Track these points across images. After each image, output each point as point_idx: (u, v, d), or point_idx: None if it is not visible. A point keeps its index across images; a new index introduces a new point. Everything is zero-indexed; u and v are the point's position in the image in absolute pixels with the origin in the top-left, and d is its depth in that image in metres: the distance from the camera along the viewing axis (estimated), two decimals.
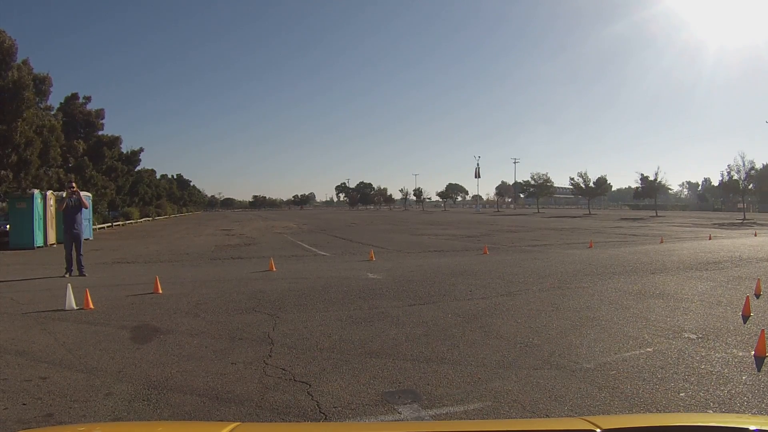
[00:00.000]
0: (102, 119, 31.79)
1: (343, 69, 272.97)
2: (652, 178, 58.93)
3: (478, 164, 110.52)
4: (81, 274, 10.27)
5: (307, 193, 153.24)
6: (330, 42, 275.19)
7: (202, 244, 19.33)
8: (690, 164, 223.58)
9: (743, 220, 43.96)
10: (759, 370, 4.28)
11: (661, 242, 18.55)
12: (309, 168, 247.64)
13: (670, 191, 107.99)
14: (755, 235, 22.93)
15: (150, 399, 3.69)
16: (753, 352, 4.70)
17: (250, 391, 3.83)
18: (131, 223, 38.83)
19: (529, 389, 3.84)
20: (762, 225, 34.30)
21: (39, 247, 18.02)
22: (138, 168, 42.87)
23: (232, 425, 1.33)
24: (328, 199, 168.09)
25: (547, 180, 79.59)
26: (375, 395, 3.74)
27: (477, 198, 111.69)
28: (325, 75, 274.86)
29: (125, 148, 37.03)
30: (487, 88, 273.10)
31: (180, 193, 72.45)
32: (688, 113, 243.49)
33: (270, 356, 4.70)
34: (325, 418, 3.37)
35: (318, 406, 3.54)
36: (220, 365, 4.45)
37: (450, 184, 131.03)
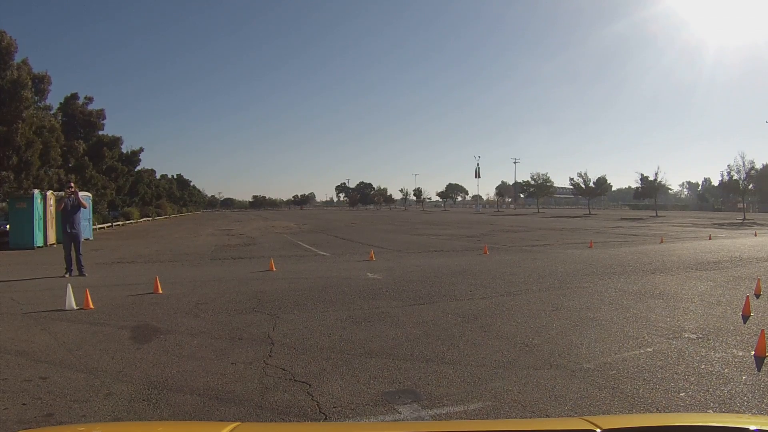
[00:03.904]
0: (103, 120, 31.88)
1: (343, 69, 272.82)
2: (652, 178, 58.96)
3: (478, 164, 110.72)
4: (81, 274, 10.27)
5: (307, 193, 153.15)
6: (330, 42, 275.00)
7: (202, 244, 19.33)
8: (690, 164, 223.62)
9: (743, 220, 43.96)
10: (759, 370, 4.28)
11: (661, 242, 18.55)
12: (309, 168, 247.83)
13: (670, 191, 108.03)
14: (755, 235, 22.93)
15: (150, 399, 3.69)
16: (753, 352, 4.70)
17: (250, 391, 3.83)
18: (131, 223, 38.82)
19: (529, 389, 3.84)
20: (762, 225, 34.30)
21: (39, 247, 18.02)
22: (138, 168, 42.97)
23: (232, 425, 1.33)
24: (328, 199, 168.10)
25: (547, 180, 79.61)
26: (375, 395, 3.74)
27: (477, 198, 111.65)
28: (325, 75, 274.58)
29: (125, 148, 37.15)
30: (487, 88, 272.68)
31: (180, 193, 72.48)
32: (688, 113, 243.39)
33: (270, 356, 4.70)
34: (325, 418, 3.37)
35: (318, 406, 3.54)
36: (220, 365, 4.45)
37: (450, 184, 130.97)
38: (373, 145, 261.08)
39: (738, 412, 3.45)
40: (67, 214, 10.50)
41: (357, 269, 11.08)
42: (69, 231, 10.45)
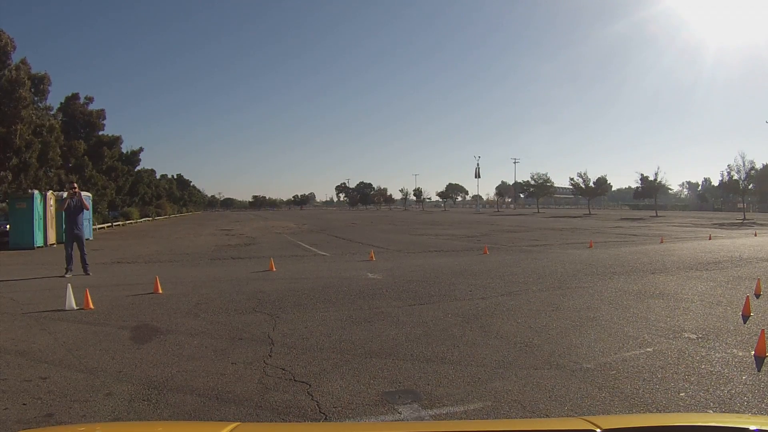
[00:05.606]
0: (103, 120, 31.84)
1: (343, 69, 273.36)
2: (652, 178, 59.00)
3: (478, 164, 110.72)
4: (86, 273, 10.35)
5: (307, 193, 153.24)
6: (330, 42, 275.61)
7: (202, 244, 19.32)
8: (690, 164, 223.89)
9: (743, 220, 43.96)
10: (759, 370, 4.28)
11: (661, 242, 18.55)
12: (309, 168, 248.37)
13: (670, 191, 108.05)
14: (755, 235, 22.93)
15: (150, 399, 3.69)
16: (753, 352, 4.70)
17: (250, 391, 3.83)
18: (131, 223, 38.80)
19: (529, 389, 3.84)
20: (762, 225, 34.30)
21: (39, 247, 18.01)
22: (138, 168, 42.94)
23: (232, 425, 1.33)
24: (328, 199, 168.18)
25: (547, 180, 79.67)
26: (375, 395, 3.74)
27: (477, 198, 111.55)
28: (325, 75, 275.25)
29: (125, 148, 37.14)
30: (487, 88, 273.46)
31: (180, 193, 72.42)
32: (688, 113, 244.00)
33: (270, 356, 4.70)
34: (325, 418, 3.36)
35: (318, 406, 3.54)
36: (220, 365, 4.45)
37: (450, 184, 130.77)
38: (373, 145, 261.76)
39: (738, 412, 3.45)
40: (70, 215, 10.54)
41: (357, 269, 11.07)
42: (72, 231, 10.50)
